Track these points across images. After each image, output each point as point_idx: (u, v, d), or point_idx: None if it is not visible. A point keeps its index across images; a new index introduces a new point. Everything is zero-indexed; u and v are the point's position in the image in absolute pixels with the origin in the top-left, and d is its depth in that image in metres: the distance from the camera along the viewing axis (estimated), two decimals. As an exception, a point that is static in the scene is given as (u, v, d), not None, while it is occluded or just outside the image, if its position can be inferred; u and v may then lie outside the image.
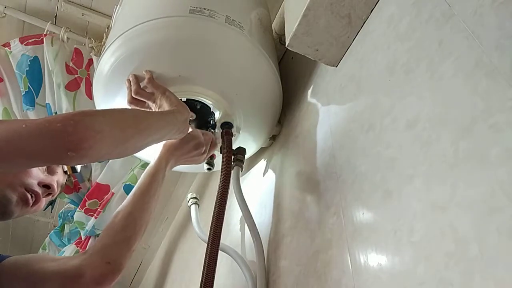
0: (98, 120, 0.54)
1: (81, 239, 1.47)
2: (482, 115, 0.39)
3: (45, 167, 0.72)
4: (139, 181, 0.77)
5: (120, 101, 0.87)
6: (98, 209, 1.40)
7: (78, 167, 0.79)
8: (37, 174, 0.70)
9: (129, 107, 0.84)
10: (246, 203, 0.87)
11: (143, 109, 0.82)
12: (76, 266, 0.64)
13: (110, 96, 0.89)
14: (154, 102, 0.80)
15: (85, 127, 0.51)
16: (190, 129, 0.85)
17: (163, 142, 0.80)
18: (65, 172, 0.78)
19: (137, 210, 0.72)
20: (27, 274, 0.63)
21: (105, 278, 0.64)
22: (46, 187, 0.72)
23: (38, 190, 0.70)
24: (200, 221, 1.11)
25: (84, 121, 0.52)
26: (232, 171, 0.89)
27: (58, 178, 0.75)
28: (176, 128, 0.73)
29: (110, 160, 1.40)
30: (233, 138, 0.92)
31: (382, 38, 0.63)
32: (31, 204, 0.69)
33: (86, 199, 1.41)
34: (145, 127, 0.65)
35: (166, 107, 0.77)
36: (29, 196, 0.68)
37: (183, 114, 0.76)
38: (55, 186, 0.73)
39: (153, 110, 0.81)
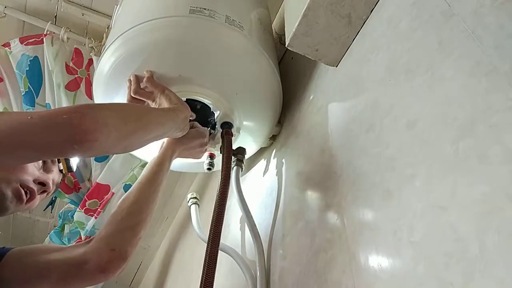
0: (104, 113, 0.54)
1: (81, 239, 1.47)
2: (482, 115, 0.39)
3: (41, 165, 0.72)
4: (144, 170, 0.77)
5: (120, 101, 0.87)
6: (98, 209, 1.40)
7: (74, 166, 0.79)
8: (33, 171, 0.70)
9: (129, 106, 0.84)
10: (246, 203, 0.87)
11: (144, 106, 0.82)
12: (81, 253, 0.64)
13: (110, 96, 0.89)
14: (153, 101, 0.80)
15: (91, 120, 0.51)
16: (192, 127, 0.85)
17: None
18: (61, 171, 0.78)
19: (143, 199, 0.72)
20: (32, 265, 0.63)
21: (110, 265, 0.64)
22: (42, 184, 0.72)
23: (34, 187, 0.70)
24: (200, 221, 1.11)
25: (90, 114, 0.51)
26: (232, 171, 0.89)
27: (54, 176, 0.75)
28: (176, 126, 0.73)
29: (110, 160, 1.40)
30: (233, 138, 0.92)
31: (382, 38, 0.63)
32: (25, 201, 0.68)
33: (86, 199, 1.41)
34: (147, 122, 0.65)
35: (165, 105, 0.77)
36: (23, 192, 0.68)
37: (183, 112, 0.76)
38: (51, 184, 0.73)
39: None
